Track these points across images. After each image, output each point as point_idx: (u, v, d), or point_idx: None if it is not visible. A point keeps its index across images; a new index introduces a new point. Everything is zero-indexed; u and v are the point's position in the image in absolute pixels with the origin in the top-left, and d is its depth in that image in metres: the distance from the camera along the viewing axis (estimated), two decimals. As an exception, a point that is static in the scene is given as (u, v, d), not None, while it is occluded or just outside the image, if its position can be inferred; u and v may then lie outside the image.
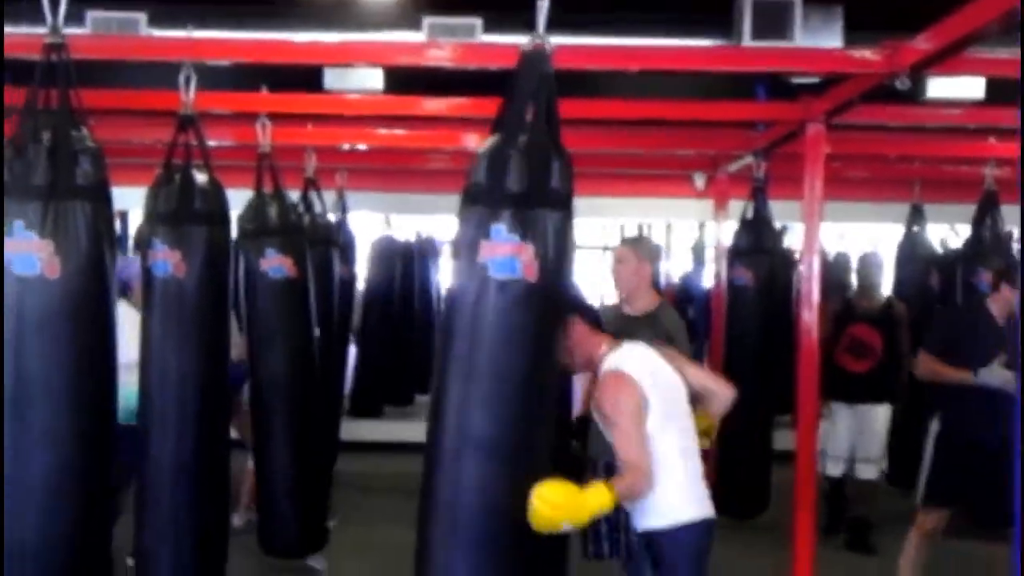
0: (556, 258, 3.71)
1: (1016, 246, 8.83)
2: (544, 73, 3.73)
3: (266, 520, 6.24)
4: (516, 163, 3.68)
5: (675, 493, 4.14)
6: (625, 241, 6.50)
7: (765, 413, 7.96)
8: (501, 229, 3.65)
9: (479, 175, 3.74)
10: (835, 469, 7.97)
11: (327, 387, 8.28)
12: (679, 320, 5.78)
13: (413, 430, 7.85)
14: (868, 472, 7.90)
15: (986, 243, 8.15)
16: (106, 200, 4.17)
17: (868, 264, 8.11)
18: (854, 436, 7.84)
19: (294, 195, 7.87)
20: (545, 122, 3.73)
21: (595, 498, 3.76)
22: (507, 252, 3.65)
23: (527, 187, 3.68)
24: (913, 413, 7.73)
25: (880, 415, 7.85)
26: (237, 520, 7.34)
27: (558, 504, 3.63)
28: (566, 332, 4.04)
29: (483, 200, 3.71)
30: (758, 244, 7.89)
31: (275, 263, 6.32)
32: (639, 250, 5.78)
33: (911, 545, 6.10)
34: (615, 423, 4.08)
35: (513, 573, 3.78)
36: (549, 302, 3.75)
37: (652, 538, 4.21)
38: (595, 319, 4.41)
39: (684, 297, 13.30)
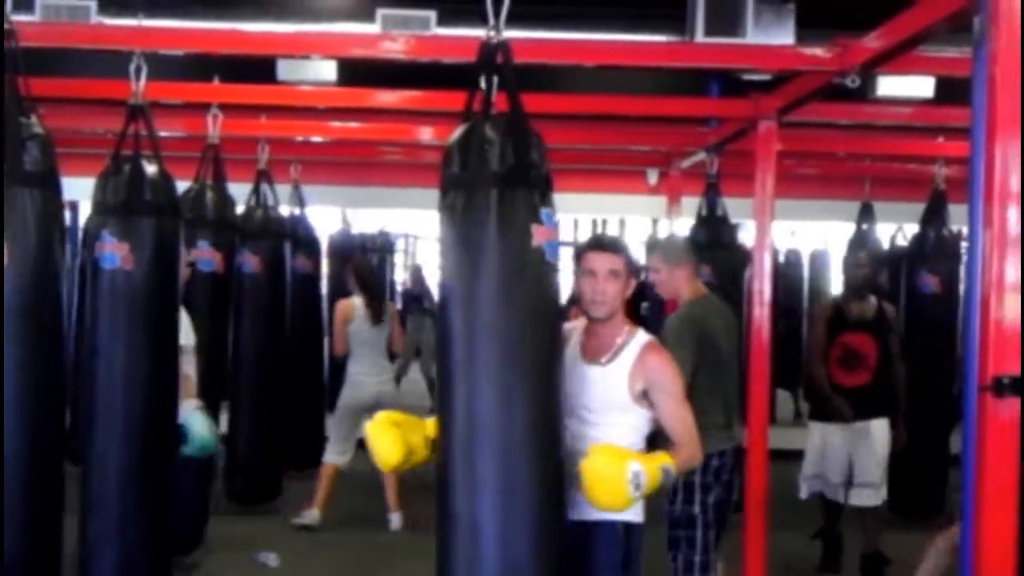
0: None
1: (964, 245, 8.92)
2: (508, 63, 3.71)
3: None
4: (537, 146, 3.66)
5: None
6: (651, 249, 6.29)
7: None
8: (550, 213, 3.64)
9: (496, 160, 3.59)
10: (835, 494, 6.96)
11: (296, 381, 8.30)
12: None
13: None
14: (868, 499, 6.89)
15: (931, 243, 8.23)
16: (55, 188, 4.14)
17: (854, 263, 7.11)
18: (850, 458, 6.86)
19: (246, 188, 7.87)
20: (518, 107, 3.70)
21: (661, 459, 3.70)
22: (554, 237, 3.64)
23: (545, 172, 3.68)
24: (913, 429, 7.17)
25: (879, 432, 6.88)
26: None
27: (615, 451, 3.62)
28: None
29: (526, 183, 3.61)
30: (716, 239, 7.86)
31: (206, 256, 6.34)
32: (664, 256, 5.70)
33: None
34: (672, 393, 3.93)
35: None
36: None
37: (631, 533, 3.96)
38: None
39: (638, 293, 13.30)
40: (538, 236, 3.59)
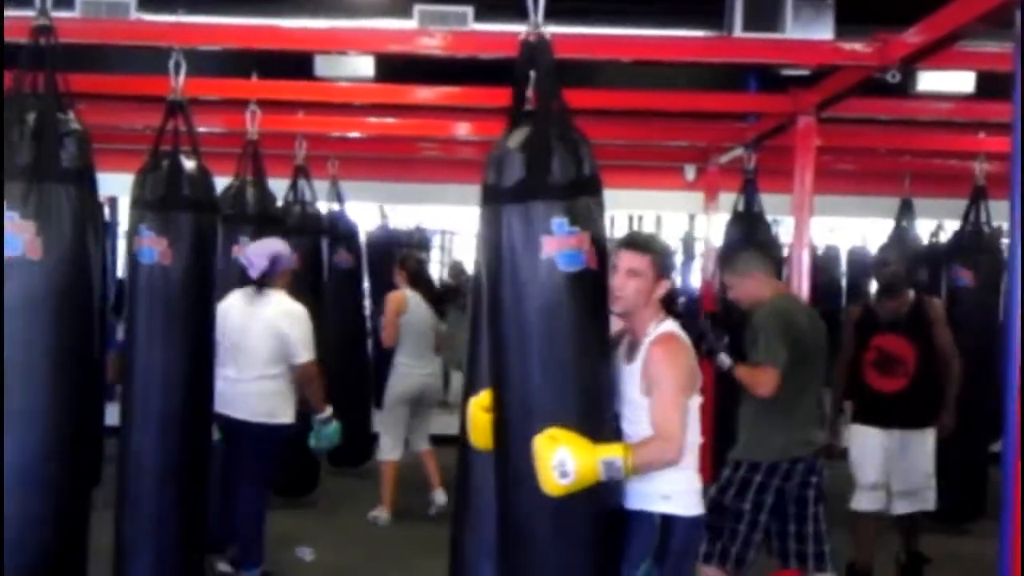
0: (604, 245, 3.71)
1: (1005, 241, 8.83)
2: (551, 61, 3.72)
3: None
4: (559, 153, 3.63)
5: (695, 479, 3.92)
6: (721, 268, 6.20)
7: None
8: (563, 222, 3.60)
9: (517, 171, 3.63)
10: (871, 504, 6.42)
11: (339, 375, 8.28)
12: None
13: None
14: (908, 507, 6.52)
15: (970, 239, 8.15)
16: (91, 184, 4.16)
17: (881, 262, 6.74)
18: (890, 465, 6.41)
19: (283, 184, 7.90)
20: (562, 111, 3.71)
21: (606, 450, 3.55)
22: (572, 245, 3.60)
23: (573, 178, 3.64)
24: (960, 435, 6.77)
25: (923, 443, 6.46)
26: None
27: (557, 436, 3.52)
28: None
29: (535, 195, 3.61)
30: (752, 236, 7.81)
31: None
32: (730, 270, 5.65)
33: None
34: (661, 387, 3.77)
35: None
36: (605, 288, 3.76)
37: (671, 526, 3.84)
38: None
39: (674, 289, 13.26)
40: (548, 247, 3.59)
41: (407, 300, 7.84)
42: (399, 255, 8.64)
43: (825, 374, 5.65)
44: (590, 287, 3.65)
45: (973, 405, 7.20)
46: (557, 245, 3.60)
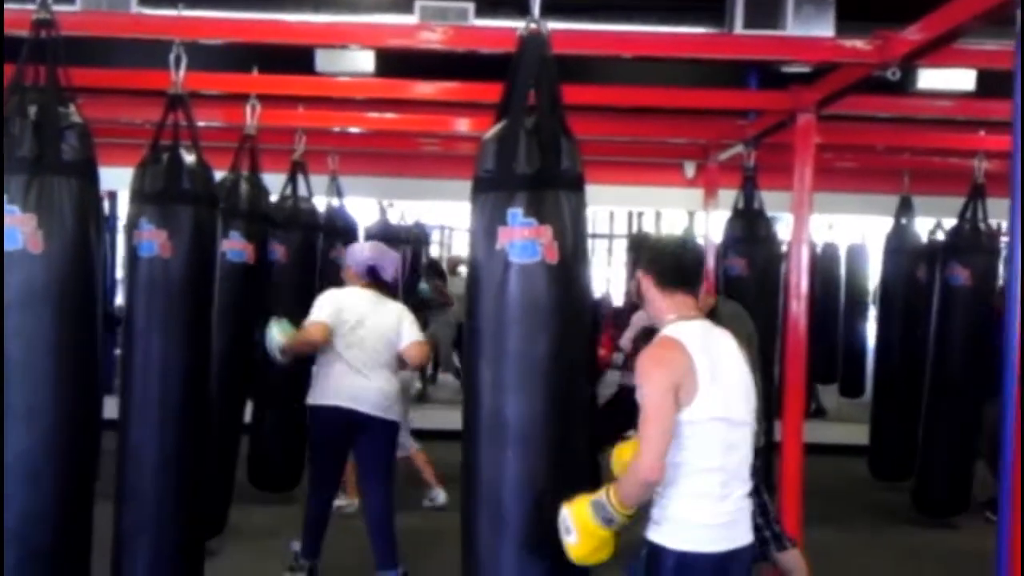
0: (574, 239, 3.72)
1: (1004, 239, 8.82)
2: (544, 57, 3.74)
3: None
4: (526, 145, 3.68)
5: (697, 509, 3.48)
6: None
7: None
8: (518, 213, 3.65)
9: (489, 161, 3.74)
10: None
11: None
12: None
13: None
14: None
15: (967, 237, 8.15)
16: (92, 177, 4.17)
17: None
18: None
19: (282, 178, 7.89)
20: (550, 104, 3.74)
21: (599, 492, 3.41)
22: (526, 236, 3.64)
23: (539, 169, 3.68)
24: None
25: None
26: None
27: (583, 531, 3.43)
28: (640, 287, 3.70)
29: (497, 185, 3.70)
30: (752, 233, 7.82)
31: (237, 247, 6.36)
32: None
33: None
34: (640, 395, 3.43)
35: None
36: (571, 283, 3.75)
37: (655, 557, 3.51)
38: (678, 277, 3.65)
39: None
40: (502, 238, 3.64)
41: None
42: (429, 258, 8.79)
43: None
44: (541, 280, 3.66)
45: (967, 401, 7.23)
46: (509, 236, 3.65)
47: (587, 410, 3.97)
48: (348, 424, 5.97)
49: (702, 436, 3.44)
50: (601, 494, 3.42)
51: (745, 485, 3.58)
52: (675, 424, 3.39)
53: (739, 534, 3.55)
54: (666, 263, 3.65)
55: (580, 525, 3.42)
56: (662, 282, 3.63)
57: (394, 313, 6.11)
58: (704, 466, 3.45)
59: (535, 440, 3.73)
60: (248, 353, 6.66)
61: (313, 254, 8.05)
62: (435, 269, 13.46)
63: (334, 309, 6.00)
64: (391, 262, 6.26)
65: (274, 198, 7.54)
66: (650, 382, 3.42)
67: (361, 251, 6.33)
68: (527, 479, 3.73)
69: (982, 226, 8.14)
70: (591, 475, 4.39)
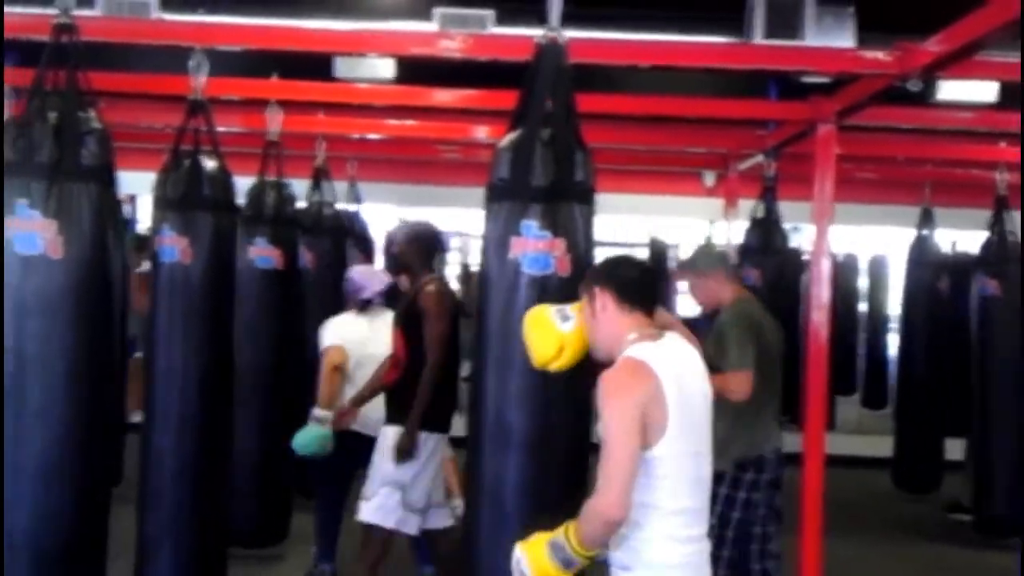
0: (586, 251, 3.73)
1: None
2: (561, 66, 3.73)
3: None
4: (541, 156, 3.69)
5: (669, 551, 3.18)
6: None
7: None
8: (532, 225, 3.65)
9: (504, 169, 3.74)
10: None
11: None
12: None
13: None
14: None
15: (996, 249, 8.09)
16: (111, 182, 4.19)
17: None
18: None
19: (302, 184, 7.90)
20: (565, 114, 3.73)
21: (557, 531, 3.12)
22: (540, 248, 3.65)
23: (554, 181, 3.68)
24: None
25: None
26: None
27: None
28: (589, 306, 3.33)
29: (511, 194, 3.70)
30: (767, 244, 7.82)
31: (265, 253, 6.37)
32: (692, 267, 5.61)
33: None
34: (604, 422, 3.11)
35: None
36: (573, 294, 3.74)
37: None
38: (639, 294, 3.33)
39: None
40: (515, 248, 3.64)
41: None
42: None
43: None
44: (553, 293, 3.64)
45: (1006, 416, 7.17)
46: (523, 247, 3.64)
47: (590, 419, 3.96)
48: (356, 448, 5.90)
49: (674, 474, 3.15)
50: (559, 533, 3.11)
51: (705, 524, 3.30)
52: (642, 461, 3.09)
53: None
54: (626, 279, 3.33)
55: (536, 567, 3.12)
56: (622, 299, 3.29)
57: (389, 326, 6.02)
58: (675, 507, 3.17)
59: (539, 447, 3.75)
60: (283, 357, 6.67)
61: (341, 259, 8.05)
62: (468, 278, 13.48)
63: (337, 336, 6.12)
64: (379, 282, 6.24)
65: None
66: (613, 410, 3.08)
67: (351, 279, 6.37)
68: (531, 485, 3.75)
69: (1009, 238, 8.08)
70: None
